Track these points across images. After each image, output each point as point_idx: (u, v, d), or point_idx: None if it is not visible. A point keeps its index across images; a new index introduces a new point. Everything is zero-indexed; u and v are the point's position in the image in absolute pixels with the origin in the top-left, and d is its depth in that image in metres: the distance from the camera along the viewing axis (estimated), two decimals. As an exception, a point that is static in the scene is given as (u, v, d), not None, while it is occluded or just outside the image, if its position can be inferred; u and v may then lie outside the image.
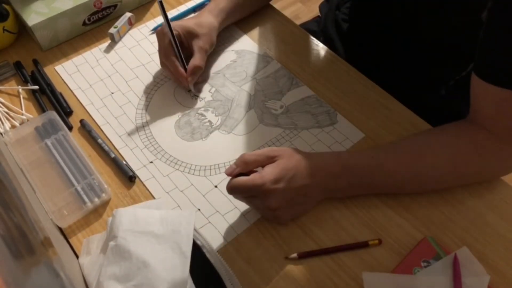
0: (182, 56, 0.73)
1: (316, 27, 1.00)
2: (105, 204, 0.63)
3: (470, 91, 0.60)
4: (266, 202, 0.56)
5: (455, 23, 0.72)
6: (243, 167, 0.57)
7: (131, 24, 0.86)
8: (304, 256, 0.57)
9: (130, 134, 0.71)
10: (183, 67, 0.72)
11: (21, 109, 0.73)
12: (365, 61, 0.82)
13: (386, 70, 0.81)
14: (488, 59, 0.55)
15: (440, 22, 0.72)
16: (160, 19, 0.87)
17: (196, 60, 0.72)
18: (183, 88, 0.76)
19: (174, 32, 0.71)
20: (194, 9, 0.88)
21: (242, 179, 0.56)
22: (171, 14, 0.88)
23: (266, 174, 0.55)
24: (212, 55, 0.81)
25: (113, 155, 0.67)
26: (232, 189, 0.57)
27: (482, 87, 0.57)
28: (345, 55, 0.88)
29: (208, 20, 0.75)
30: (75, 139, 0.68)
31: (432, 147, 0.60)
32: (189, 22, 0.74)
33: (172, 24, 0.72)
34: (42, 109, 0.73)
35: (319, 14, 1.05)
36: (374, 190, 0.62)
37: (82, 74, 0.79)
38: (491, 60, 0.55)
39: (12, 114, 0.73)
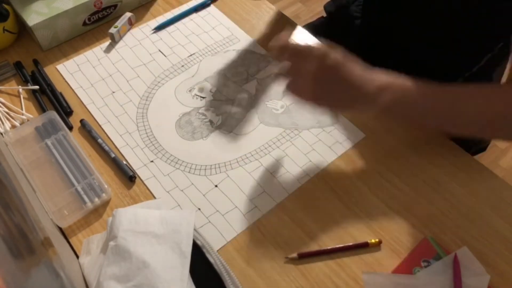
0: None
1: (319, 28, 0.99)
2: (105, 204, 0.63)
3: None
4: (306, 61, 0.54)
5: (472, 15, 0.71)
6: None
7: (131, 24, 0.86)
8: (304, 256, 0.57)
9: (131, 133, 0.71)
10: None
11: (21, 109, 0.73)
12: (373, 58, 0.82)
13: (397, 65, 0.81)
14: None
15: (457, 16, 0.72)
16: (161, 19, 0.87)
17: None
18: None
19: None
20: (195, 9, 0.88)
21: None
22: (172, 13, 0.88)
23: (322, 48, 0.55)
24: (213, 54, 0.81)
25: (113, 155, 0.67)
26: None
27: None
28: (352, 53, 0.88)
29: None
30: (75, 139, 0.69)
31: (477, 91, 0.59)
32: None
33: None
34: (42, 109, 0.73)
35: (319, 14, 1.05)
36: (415, 115, 0.59)
37: (83, 73, 0.79)
38: None
39: (12, 114, 0.73)
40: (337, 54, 0.55)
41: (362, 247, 0.58)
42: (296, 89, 0.58)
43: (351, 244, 0.58)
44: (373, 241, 0.58)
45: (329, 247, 0.58)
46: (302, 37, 0.61)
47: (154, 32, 0.85)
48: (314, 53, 0.55)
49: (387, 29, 0.85)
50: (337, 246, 0.58)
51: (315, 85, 0.56)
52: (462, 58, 0.79)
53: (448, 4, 0.71)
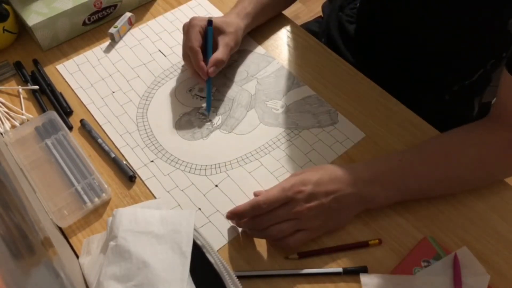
0: (207, 51, 0.72)
1: (318, 28, 0.99)
2: (105, 204, 0.63)
3: (498, 90, 0.61)
4: (296, 207, 0.54)
5: (466, 27, 0.71)
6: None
7: (131, 24, 0.86)
8: (304, 255, 0.57)
9: (131, 133, 0.71)
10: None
11: (21, 109, 0.73)
12: (369, 63, 0.82)
13: (390, 73, 0.81)
14: None
15: (450, 25, 0.72)
16: (161, 19, 0.87)
17: (219, 53, 0.71)
18: (198, 82, 0.76)
19: (202, 25, 0.72)
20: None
21: (267, 190, 0.56)
22: (172, 14, 0.88)
23: (291, 179, 0.55)
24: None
25: (113, 155, 0.67)
26: (254, 207, 0.55)
27: None
28: (348, 56, 0.88)
29: (235, 21, 0.75)
30: (75, 139, 0.69)
31: (459, 146, 0.60)
32: (217, 19, 0.73)
33: (200, 18, 0.73)
34: (42, 109, 0.73)
35: (319, 14, 1.05)
36: (408, 195, 0.60)
37: (83, 73, 0.79)
38: None
39: (12, 114, 0.73)
40: (310, 175, 0.56)
41: (362, 247, 0.58)
42: (301, 239, 0.56)
43: (351, 243, 0.58)
44: (372, 242, 0.58)
45: (329, 247, 0.58)
46: None
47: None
48: (286, 194, 0.55)
49: (379, 37, 0.85)
50: (337, 245, 0.58)
51: (311, 222, 0.56)
52: (457, 70, 0.79)
53: (440, 7, 0.71)
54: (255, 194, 0.59)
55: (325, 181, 0.56)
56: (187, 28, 0.72)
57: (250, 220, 0.57)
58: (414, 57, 0.80)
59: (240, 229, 0.60)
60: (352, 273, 0.56)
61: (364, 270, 0.56)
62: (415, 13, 0.74)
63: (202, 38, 0.72)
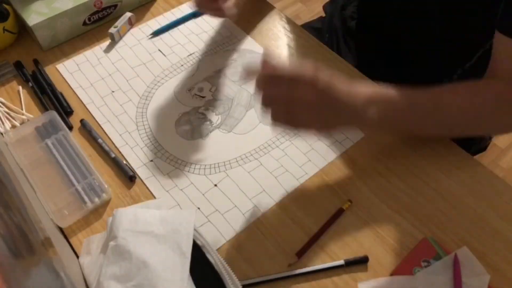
0: None
1: (321, 25, 0.99)
2: (105, 204, 0.63)
3: (491, 53, 0.62)
4: (300, 88, 0.53)
5: (465, 12, 0.71)
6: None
7: (131, 24, 0.86)
8: (301, 253, 0.57)
9: (130, 132, 0.71)
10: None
11: (22, 109, 0.73)
12: (370, 56, 0.82)
13: (392, 63, 0.81)
14: None
15: (450, 13, 0.72)
16: (161, 19, 0.87)
17: None
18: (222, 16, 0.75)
19: None
20: (194, 14, 0.87)
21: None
22: (172, 13, 0.88)
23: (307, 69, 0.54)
24: (212, 54, 0.81)
25: (113, 155, 0.67)
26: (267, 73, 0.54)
27: (504, 43, 0.59)
28: (350, 53, 0.88)
29: None
30: (76, 139, 0.69)
31: (455, 89, 0.61)
32: None
33: None
34: (44, 108, 0.73)
35: (320, 14, 1.05)
36: (403, 124, 0.61)
37: (83, 73, 0.79)
38: None
39: (12, 114, 0.73)
40: (324, 75, 0.54)
41: (339, 216, 0.60)
42: (287, 119, 0.56)
43: (330, 218, 0.59)
44: (345, 205, 0.60)
45: (315, 232, 0.59)
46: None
47: (152, 37, 0.84)
48: (303, 78, 0.54)
49: (382, 30, 0.85)
50: (321, 227, 0.59)
51: (309, 111, 0.54)
52: (456, 55, 0.79)
53: (440, 2, 0.71)
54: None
55: (335, 82, 0.55)
56: None
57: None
58: (413, 43, 0.80)
59: (239, 229, 0.60)
60: (354, 264, 0.57)
61: (365, 260, 0.57)
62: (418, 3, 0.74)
63: None
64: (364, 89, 0.58)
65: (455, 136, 0.67)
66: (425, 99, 0.61)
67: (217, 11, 0.72)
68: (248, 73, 0.56)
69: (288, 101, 0.55)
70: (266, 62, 0.55)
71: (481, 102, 0.61)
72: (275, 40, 0.83)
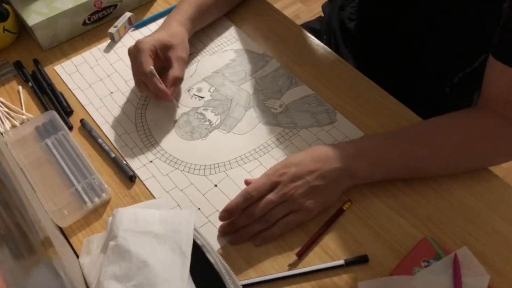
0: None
1: (319, 26, 0.99)
2: (105, 204, 0.63)
3: (483, 77, 0.62)
4: (283, 188, 0.56)
5: (466, 17, 0.71)
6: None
7: (131, 23, 0.86)
8: (301, 253, 0.57)
9: (129, 133, 0.71)
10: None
11: (21, 109, 0.73)
12: (370, 58, 0.82)
13: (390, 67, 0.81)
14: (508, 41, 0.57)
15: (451, 17, 0.72)
16: (160, 20, 0.87)
17: (176, 71, 0.69)
18: (165, 101, 0.73)
19: (151, 48, 0.68)
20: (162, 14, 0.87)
21: (254, 179, 0.59)
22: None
23: (275, 165, 0.58)
24: (211, 54, 0.81)
25: (113, 155, 0.67)
26: (245, 196, 0.57)
27: (498, 70, 0.58)
28: (349, 54, 0.88)
29: (178, 29, 0.73)
30: (75, 138, 0.69)
31: (445, 128, 0.62)
32: (161, 34, 0.70)
33: (147, 40, 0.69)
34: (44, 108, 0.73)
35: (319, 14, 1.05)
36: (392, 172, 0.61)
37: (81, 74, 0.79)
38: (511, 42, 0.56)
39: (12, 113, 0.73)
40: (291, 168, 0.58)
41: (339, 215, 0.60)
42: (296, 219, 0.58)
43: (331, 216, 0.60)
44: (346, 206, 0.60)
45: (315, 232, 0.59)
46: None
47: (135, 30, 0.85)
48: (271, 179, 0.57)
49: (381, 32, 0.85)
50: (320, 227, 0.59)
51: (301, 201, 0.57)
52: (457, 58, 0.79)
53: (441, 5, 0.71)
54: (246, 182, 0.61)
55: (307, 162, 0.58)
56: (135, 54, 0.68)
57: (243, 214, 0.58)
58: (414, 45, 0.80)
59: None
60: (354, 264, 0.57)
61: (365, 260, 0.57)
62: (414, 1, 0.74)
63: (154, 60, 0.68)
64: (345, 149, 0.60)
65: (456, 172, 0.64)
66: (416, 146, 0.61)
67: (158, 96, 0.69)
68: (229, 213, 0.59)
69: (286, 200, 0.58)
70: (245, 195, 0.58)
71: (474, 140, 0.61)
72: (273, 40, 0.83)
